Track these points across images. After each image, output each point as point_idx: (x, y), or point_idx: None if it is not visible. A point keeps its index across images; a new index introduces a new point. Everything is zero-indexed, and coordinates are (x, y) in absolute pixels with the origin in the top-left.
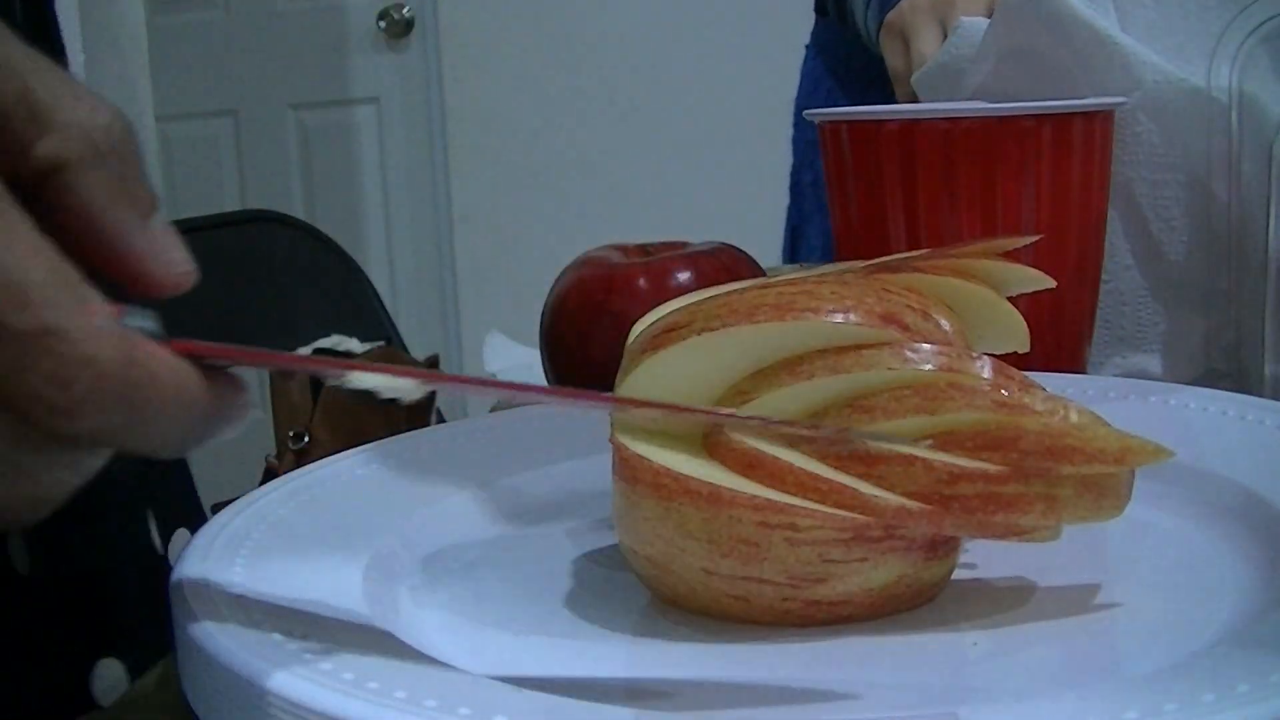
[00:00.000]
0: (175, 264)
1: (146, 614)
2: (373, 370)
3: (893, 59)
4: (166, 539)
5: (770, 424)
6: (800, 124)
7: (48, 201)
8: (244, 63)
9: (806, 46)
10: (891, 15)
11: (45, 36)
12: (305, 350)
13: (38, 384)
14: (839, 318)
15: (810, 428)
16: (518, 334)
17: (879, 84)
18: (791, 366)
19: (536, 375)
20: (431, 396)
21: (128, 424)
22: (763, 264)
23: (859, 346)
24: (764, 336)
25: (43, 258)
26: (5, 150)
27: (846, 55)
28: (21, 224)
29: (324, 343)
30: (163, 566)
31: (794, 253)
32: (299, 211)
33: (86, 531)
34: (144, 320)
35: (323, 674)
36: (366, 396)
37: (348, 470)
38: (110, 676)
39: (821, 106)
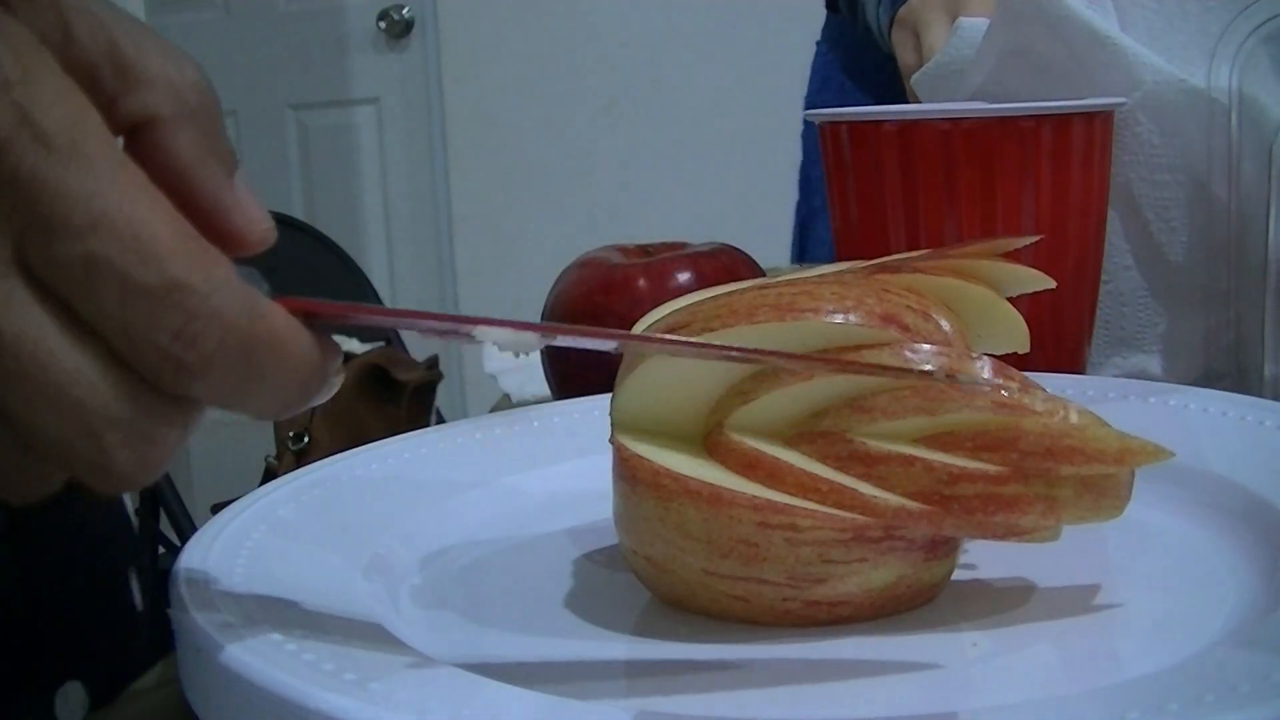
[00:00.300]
0: (261, 220)
1: (109, 638)
2: (495, 324)
3: (904, 54)
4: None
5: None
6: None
7: (136, 158)
8: (244, 63)
9: (818, 43)
10: (903, 10)
11: None
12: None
13: (165, 341)
14: (839, 318)
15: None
16: None
17: (890, 80)
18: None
19: (536, 376)
20: (431, 396)
21: (247, 384)
22: (762, 264)
23: (859, 347)
24: (764, 337)
25: (164, 211)
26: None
27: (858, 51)
28: (140, 178)
29: None
30: (125, 592)
31: (802, 248)
32: (299, 212)
33: (52, 558)
34: (255, 279)
35: (323, 674)
36: (369, 387)
37: (347, 471)
38: (74, 699)
39: (832, 103)
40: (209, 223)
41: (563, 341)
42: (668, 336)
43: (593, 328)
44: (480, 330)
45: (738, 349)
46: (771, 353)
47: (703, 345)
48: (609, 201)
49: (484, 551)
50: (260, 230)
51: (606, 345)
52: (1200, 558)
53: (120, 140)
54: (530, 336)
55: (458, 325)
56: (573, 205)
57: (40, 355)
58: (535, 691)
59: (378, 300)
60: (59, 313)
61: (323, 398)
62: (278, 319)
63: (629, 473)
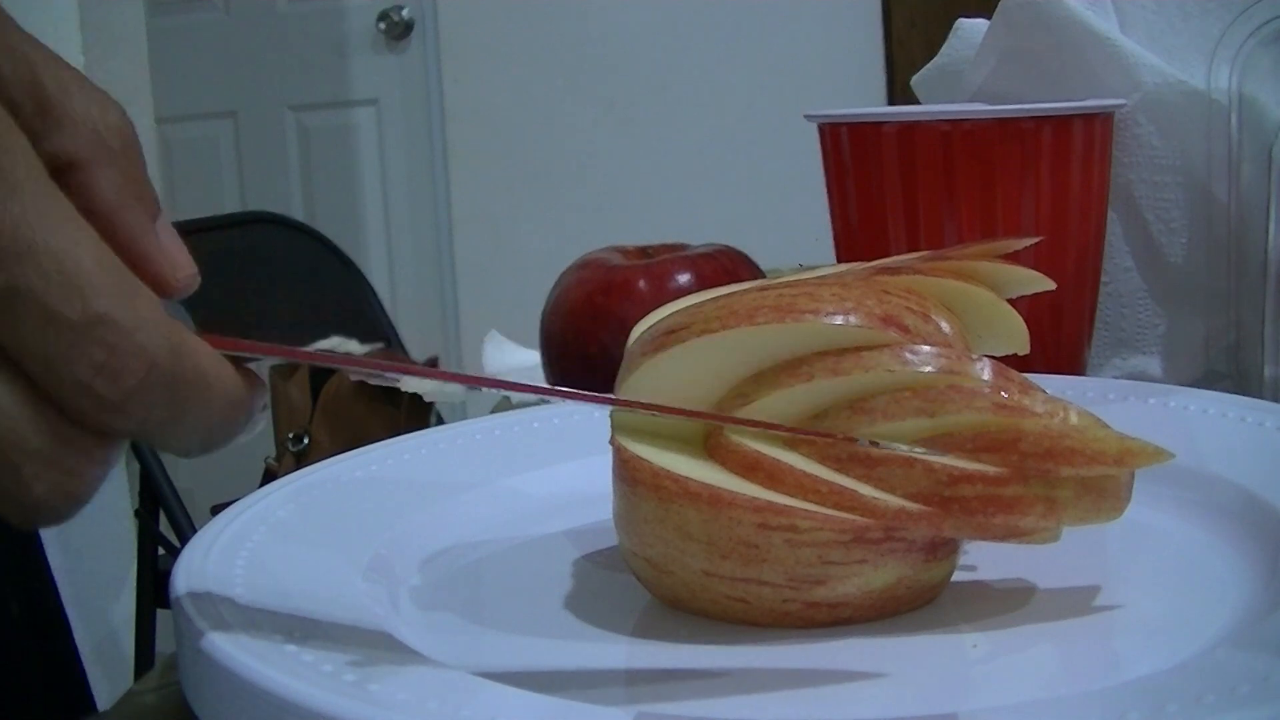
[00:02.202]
0: (181, 266)
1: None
2: (423, 374)
3: None
4: None
5: (769, 428)
6: None
7: None
8: (244, 64)
9: None
10: None
11: None
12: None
13: (87, 375)
14: (839, 320)
15: (807, 432)
16: (518, 335)
17: None
18: (792, 368)
19: (536, 376)
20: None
21: (169, 419)
22: (762, 266)
23: (859, 348)
24: (764, 338)
25: (91, 244)
26: None
27: None
28: (68, 209)
29: (324, 344)
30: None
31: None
32: (299, 213)
33: None
34: (180, 313)
35: (323, 675)
36: (369, 389)
37: (347, 472)
38: None
39: None
40: (130, 267)
41: (490, 390)
42: (592, 394)
43: (522, 384)
44: (406, 380)
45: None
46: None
47: (594, 397)
48: (609, 202)
49: (484, 553)
50: (182, 275)
51: (533, 398)
52: (1200, 559)
53: None
54: (455, 388)
55: (382, 372)
56: (573, 205)
57: None
58: (535, 693)
59: (377, 301)
60: None
61: (248, 434)
62: (202, 355)
63: (629, 474)
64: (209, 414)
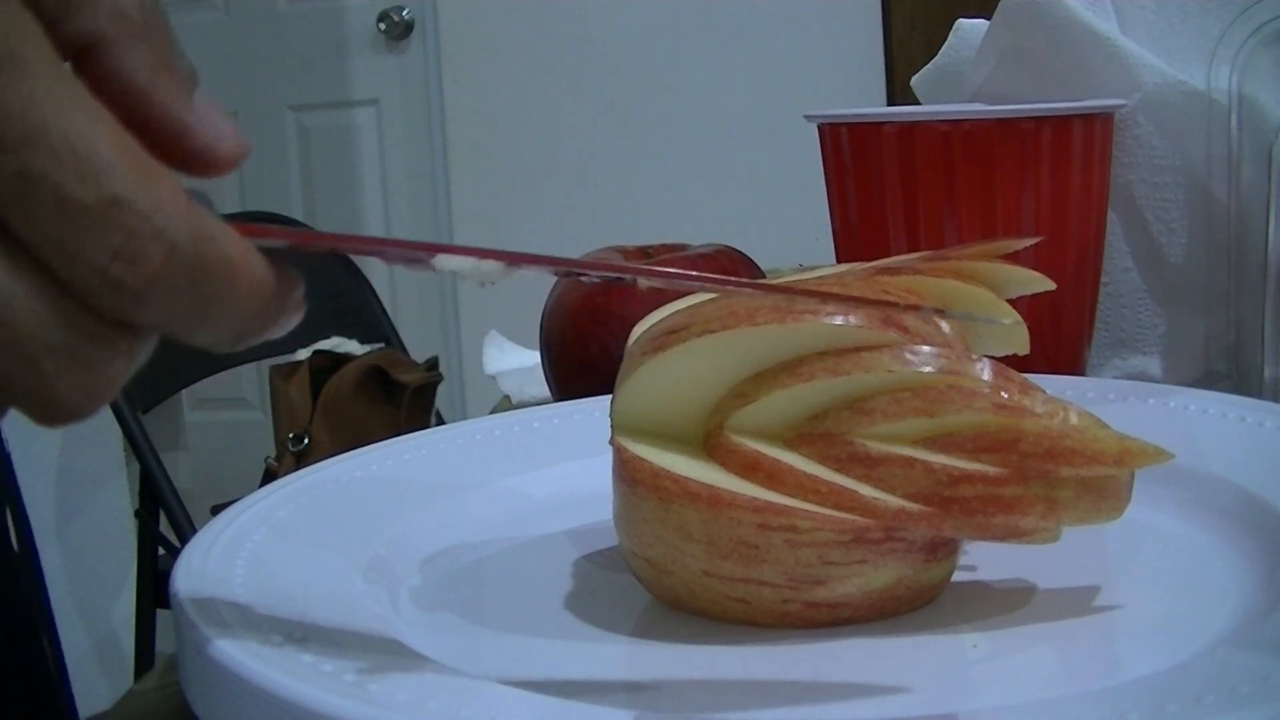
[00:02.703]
0: (228, 135)
1: None
2: (458, 252)
3: None
4: None
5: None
6: None
7: (86, 85)
8: (244, 64)
9: None
10: None
11: None
12: (305, 353)
13: (104, 261)
14: (839, 320)
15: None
16: (518, 335)
17: None
18: (792, 368)
19: (536, 377)
20: (431, 398)
21: (194, 309)
22: (762, 266)
23: (859, 349)
24: (764, 339)
25: (105, 125)
26: None
27: None
28: (80, 91)
29: (324, 344)
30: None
31: None
32: (299, 213)
33: None
34: (205, 202)
35: (323, 676)
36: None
37: (347, 472)
38: None
39: None
40: (173, 144)
41: (528, 270)
42: (643, 266)
43: (554, 257)
44: (441, 258)
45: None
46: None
47: (669, 273)
48: (609, 202)
49: (484, 553)
50: (229, 145)
51: (581, 275)
52: (1200, 559)
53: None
54: (492, 265)
55: (418, 253)
56: (573, 206)
57: None
58: (535, 693)
59: (378, 301)
60: None
61: (282, 330)
62: (228, 242)
63: (629, 474)
64: (237, 304)
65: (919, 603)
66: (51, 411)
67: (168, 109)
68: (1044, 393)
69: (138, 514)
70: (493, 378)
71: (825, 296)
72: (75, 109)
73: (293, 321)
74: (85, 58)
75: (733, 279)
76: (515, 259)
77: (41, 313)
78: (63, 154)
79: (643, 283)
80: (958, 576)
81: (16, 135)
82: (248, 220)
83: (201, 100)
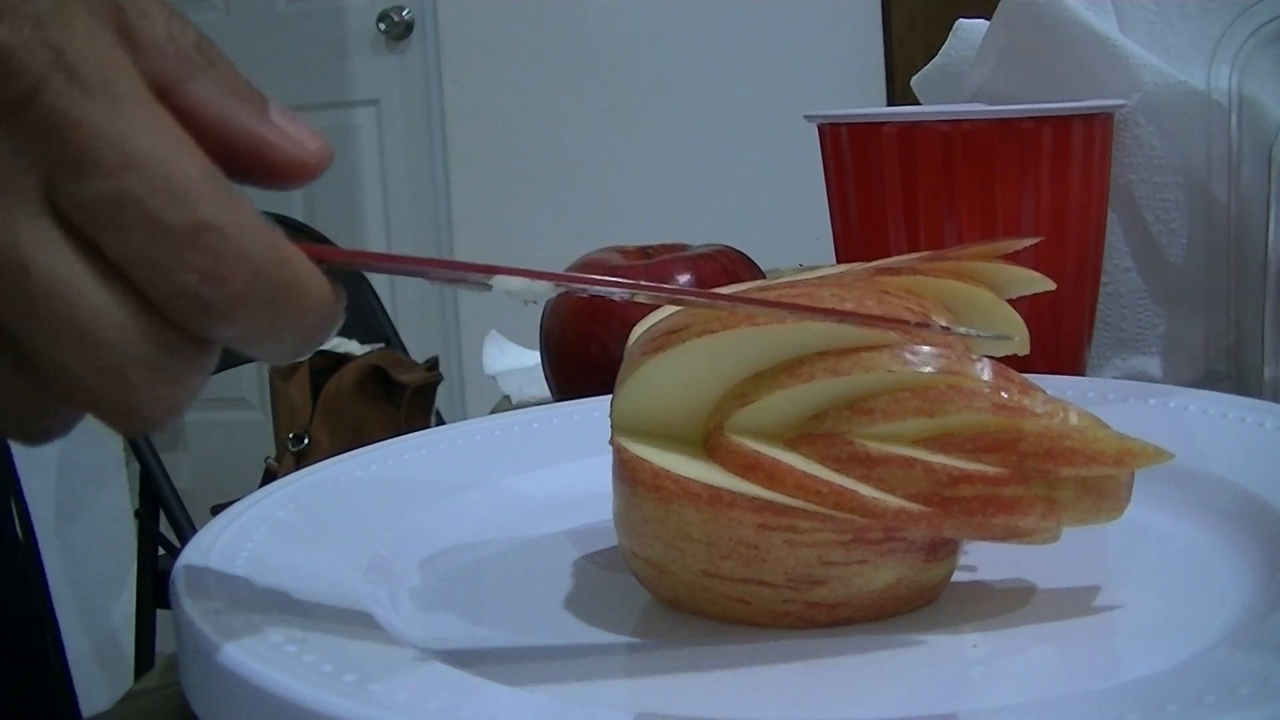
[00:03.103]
0: (310, 139)
1: None
2: (513, 274)
3: None
4: None
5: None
6: None
7: None
8: (244, 64)
9: None
10: None
11: None
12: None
13: (192, 282)
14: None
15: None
16: (518, 336)
17: None
18: (792, 369)
19: (536, 377)
20: (431, 398)
21: (270, 326)
22: (762, 266)
23: (859, 349)
24: (764, 339)
25: (193, 153)
26: None
27: None
28: (168, 119)
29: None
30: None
31: None
32: (299, 213)
33: None
34: (273, 224)
35: (323, 676)
36: (369, 389)
37: (348, 472)
38: None
39: None
40: (257, 159)
41: (577, 290)
42: (682, 290)
43: (604, 277)
44: (498, 279)
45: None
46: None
47: (721, 296)
48: (609, 202)
49: (484, 553)
50: (314, 148)
51: (617, 294)
52: (1200, 559)
53: None
54: (544, 285)
55: (472, 275)
56: (573, 206)
57: (69, 295)
58: (535, 693)
59: (378, 301)
60: (88, 253)
61: (327, 341)
62: (300, 264)
63: (629, 474)
64: (306, 321)
65: (919, 603)
66: (133, 422)
67: (245, 130)
68: (1044, 393)
69: (138, 514)
70: (493, 378)
71: (827, 312)
72: (166, 137)
73: (335, 331)
74: (159, 98)
75: (758, 298)
76: (563, 279)
77: (131, 329)
78: (156, 180)
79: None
80: (958, 576)
81: (114, 161)
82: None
83: (277, 113)
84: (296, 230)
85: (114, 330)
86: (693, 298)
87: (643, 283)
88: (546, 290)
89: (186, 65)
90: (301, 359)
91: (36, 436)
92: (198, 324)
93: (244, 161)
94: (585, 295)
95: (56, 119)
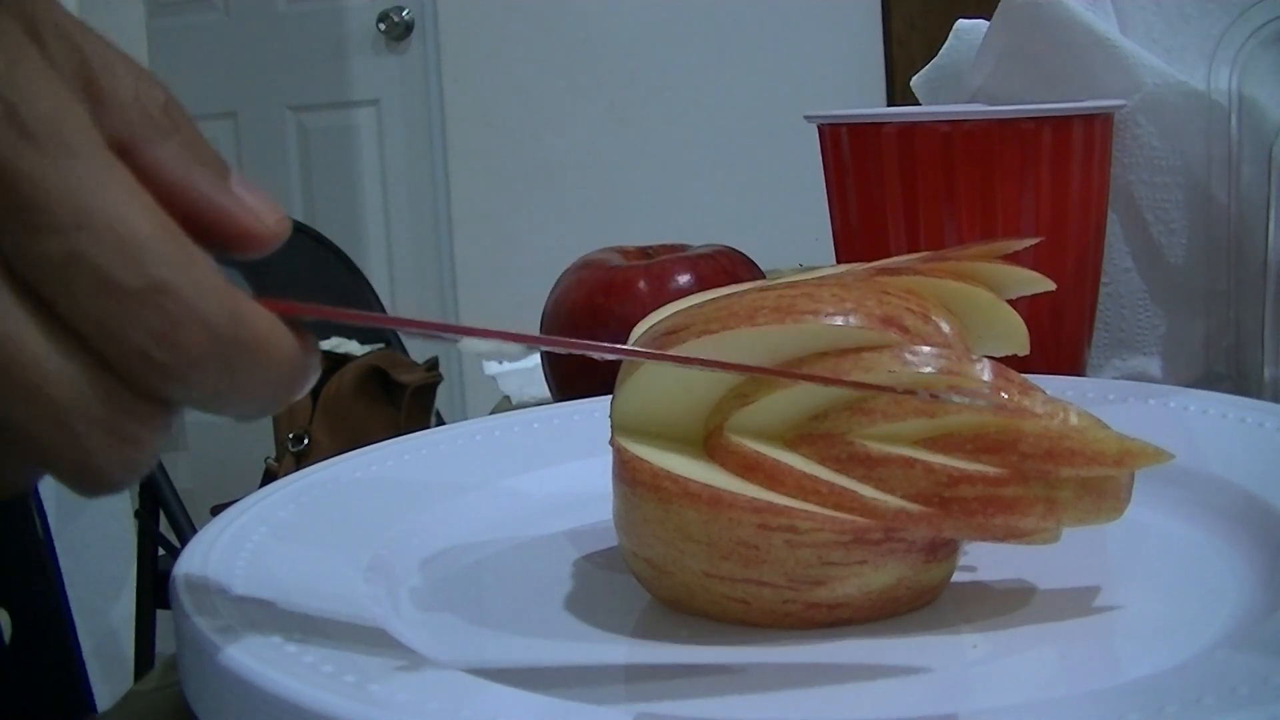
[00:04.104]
0: (268, 212)
1: (21, 564)
2: (480, 335)
3: None
4: None
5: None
6: None
7: None
8: (243, 65)
9: None
10: None
11: None
12: None
13: (146, 343)
14: (839, 320)
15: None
16: None
17: None
18: (792, 369)
19: (536, 377)
20: (431, 398)
21: (228, 386)
22: (762, 266)
23: (859, 349)
24: (764, 339)
25: (148, 210)
26: None
27: None
28: (124, 175)
29: (324, 344)
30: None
31: None
32: (298, 214)
33: None
34: (235, 277)
35: (324, 676)
36: (369, 389)
37: (348, 472)
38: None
39: None
40: (214, 228)
41: (548, 348)
42: (661, 353)
43: (579, 340)
44: (466, 342)
45: (727, 363)
46: (758, 368)
47: (688, 360)
48: (609, 202)
49: (484, 553)
50: (272, 222)
51: (596, 355)
52: (1200, 559)
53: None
54: (514, 347)
55: (442, 333)
56: (573, 206)
57: (20, 355)
58: (535, 693)
59: (378, 302)
60: (39, 311)
61: (300, 395)
62: (260, 321)
63: (629, 475)
64: (267, 379)
65: (919, 603)
66: (90, 482)
67: (204, 197)
68: (1044, 393)
69: (138, 514)
70: (493, 378)
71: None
72: (120, 193)
73: (310, 385)
74: (120, 157)
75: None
76: (534, 341)
77: (85, 390)
78: (107, 238)
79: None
80: (958, 576)
81: (64, 218)
82: None
83: (237, 184)
84: (296, 231)
85: (67, 391)
86: (686, 359)
87: (618, 346)
88: (518, 351)
89: (151, 126)
90: (273, 413)
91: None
92: (153, 385)
93: (200, 229)
94: (565, 353)
95: (5, 174)
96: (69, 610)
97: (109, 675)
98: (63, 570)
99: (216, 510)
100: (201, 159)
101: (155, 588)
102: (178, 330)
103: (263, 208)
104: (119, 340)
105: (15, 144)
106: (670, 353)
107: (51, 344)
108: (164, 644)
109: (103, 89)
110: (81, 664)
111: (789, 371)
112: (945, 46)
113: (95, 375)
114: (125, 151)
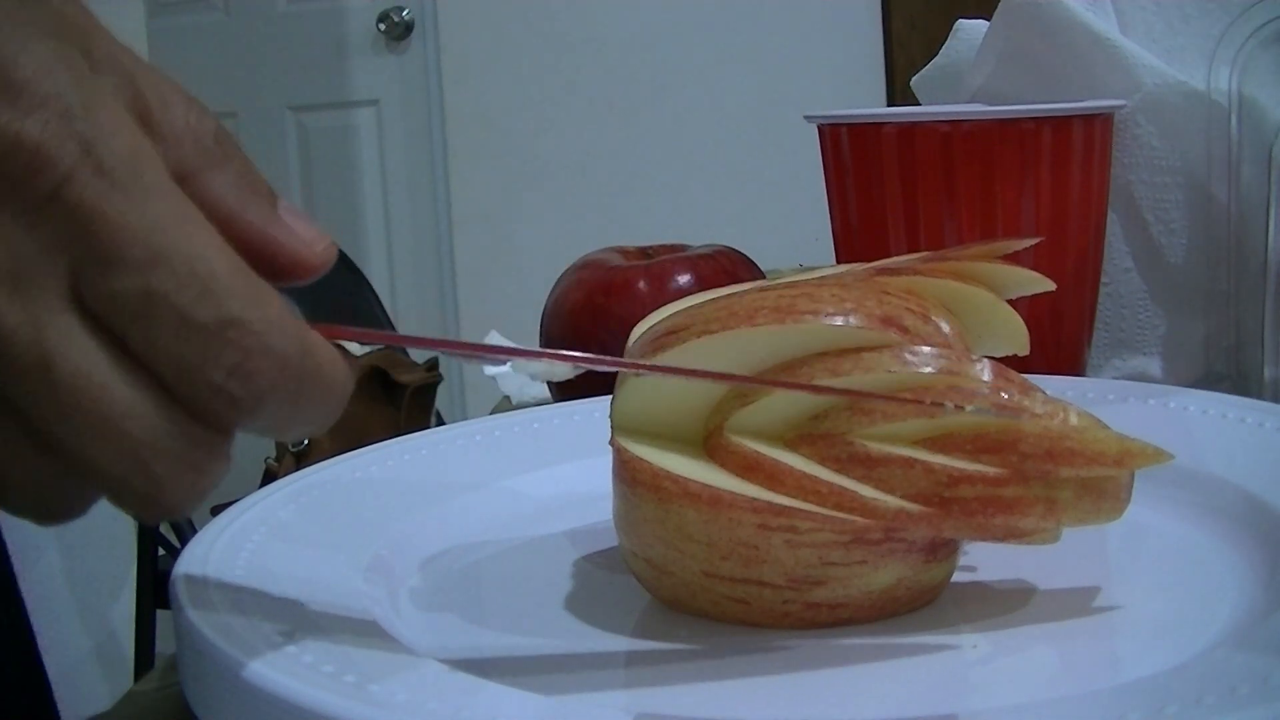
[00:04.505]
0: (316, 240)
1: None
2: (530, 356)
3: None
4: None
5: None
6: None
7: None
8: (244, 65)
9: None
10: None
11: None
12: None
13: (219, 378)
14: (838, 320)
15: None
16: (517, 336)
17: None
18: (791, 369)
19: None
20: (431, 398)
21: (294, 415)
22: (762, 266)
23: (859, 349)
24: (764, 339)
25: (220, 247)
26: None
27: None
28: (196, 214)
29: None
30: None
31: None
32: None
33: None
34: (292, 308)
35: (324, 676)
36: (369, 389)
37: (348, 473)
38: None
39: None
40: (265, 257)
41: (599, 368)
42: (708, 371)
43: (630, 360)
44: (516, 363)
45: (733, 376)
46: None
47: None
48: (609, 202)
49: (484, 553)
50: (320, 249)
51: (649, 373)
52: (1200, 560)
53: None
54: (563, 367)
55: (493, 356)
56: (573, 206)
57: (94, 390)
58: (535, 693)
59: (378, 302)
60: (113, 347)
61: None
62: (323, 351)
63: (629, 475)
64: (326, 405)
65: (919, 603)
66: (156, 508)
67: (257, 226)
68: (1044, 393)
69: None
70: (493, 378)
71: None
72: (193, 230)
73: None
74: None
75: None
76: (583, 360)
77: (156, 423)
78: (184, 276)
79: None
80: (958, 577)
81: (142, 257)
82: None
83: (286, 211)
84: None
85: (138, 425)
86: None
87: (656, 364)
88: (566, 371)
89: (204, 157)
90: (317, 435)
91: (56, 518)
92: (225, 417)
93: (250, 256)
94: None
95: (84, 213)
96: (30, 624)
97: (109, 675)
98: (63, 570)
99: (216, 510)
100: (253, 187)
101: (155, 587)
102: (251, 364)
103: (312, 236)
104: (194, 375)
105: (93, 181)
106: (684, 365)
107: (125, 380)
108: (164, 644)
109: (158, 121)
110: (47, 680)
111: (782, 381)
112: (945, 46)
113: (167, 409)
114: (182, 183)
